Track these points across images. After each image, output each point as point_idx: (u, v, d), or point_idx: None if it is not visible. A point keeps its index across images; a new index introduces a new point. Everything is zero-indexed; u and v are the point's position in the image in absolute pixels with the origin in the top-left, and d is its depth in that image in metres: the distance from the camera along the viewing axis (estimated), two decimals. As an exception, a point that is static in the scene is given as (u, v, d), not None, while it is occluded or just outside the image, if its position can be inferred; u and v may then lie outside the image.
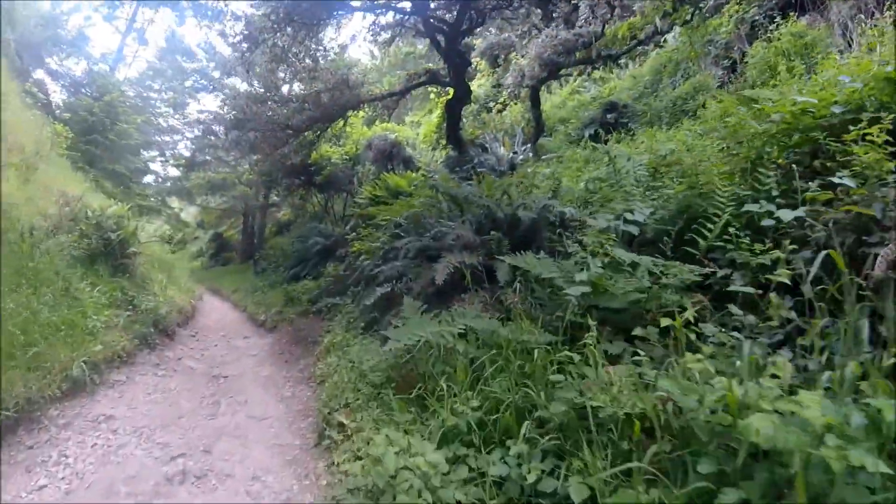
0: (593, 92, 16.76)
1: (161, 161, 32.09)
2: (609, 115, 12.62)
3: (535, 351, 3.60)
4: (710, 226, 4.05)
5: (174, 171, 31.99)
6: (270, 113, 11.97)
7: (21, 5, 19.68)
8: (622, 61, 16.41)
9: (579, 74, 18.77)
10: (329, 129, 13.60)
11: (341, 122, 13.79)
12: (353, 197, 17.91)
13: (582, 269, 4.01)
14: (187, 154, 30.79)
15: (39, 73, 20.51)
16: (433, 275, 5.22)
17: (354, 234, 11.96)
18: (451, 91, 13.79)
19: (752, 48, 10.71)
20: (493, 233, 5.59)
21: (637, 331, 3.30)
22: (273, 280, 16.42)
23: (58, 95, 21.46)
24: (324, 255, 13.59)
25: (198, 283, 23.58)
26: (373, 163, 16.29)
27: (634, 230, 4.59)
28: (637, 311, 3.75)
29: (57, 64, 19.96)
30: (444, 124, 14.33)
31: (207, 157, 29.00)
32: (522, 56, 15.12)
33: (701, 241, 4.05)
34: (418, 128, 21.20)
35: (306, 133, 13.31)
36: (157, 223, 41.42)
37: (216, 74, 27.77)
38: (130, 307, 8.37)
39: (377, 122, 19.04)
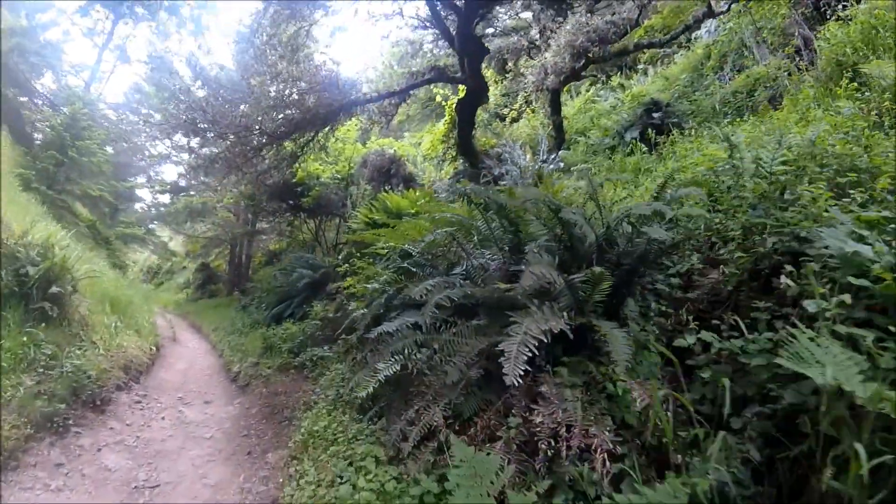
0: (611, 100, 14.88)
1: (148, 188, 30.36)
2: (655, 115, 10.62)
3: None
4: None
5: (164, 198, 30.28)
6: (240, 116, 9.83)
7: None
8: (660, 54, 14.56)
9: (591, 84, 16.93)
10: (315, 139, 11.40)
11: (327, 130, 11.57)
12: (346, 222, 15.81)
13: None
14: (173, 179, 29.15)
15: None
16: (480, 351, 3.13)
17: (347, 265, 9.92)
18: (462, 90, 11.76)
19: (826, 29, 8.81)
20: (589, 269, 3.34)
21: None
22: (255, 318, 14.25)
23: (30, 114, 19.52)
24: (311, 291, 11.48)
25: (180, 318, 21.83)
26: (369, 182, 14.19)
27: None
28: None
29: (24, 76, 18.00)
30: (454, 131, 12.21)
31: (192, 181, 27.21)
32: (544, 50, 13.17)
33: None
34: (418, 146, 19.15)
35: (286, 143, 11.09)
36: (145, 253, 40.01)
37: (201, 93, 25.96)
38: (43, 369, 6.22)
39: (373, 137, 16.99)
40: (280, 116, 10.13)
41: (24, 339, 6.43)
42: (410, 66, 12.82)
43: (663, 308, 4.02)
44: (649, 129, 9.99)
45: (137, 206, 32.22)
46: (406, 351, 3.94)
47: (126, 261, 41.49)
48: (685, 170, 5.56)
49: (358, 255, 10.00)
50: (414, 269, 5.50)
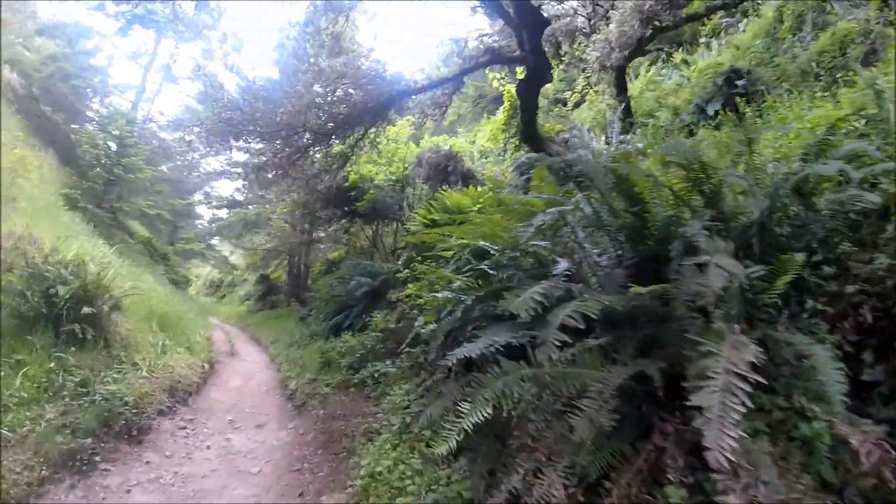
0: (675, 78, 13.60)
1: (206, 205, 30.48)
2: (738, 83, 9.39)
3: None
4: None
5: (222, 213, 30.33)
6: (283, 114, 8.99)
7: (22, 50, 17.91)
8: (723, 24, 13.30)
9: (652, 63, 15.63)
10: (365, 137, 10.48)
11: (377, 127, 10.61)
12: (403, 226, 14.94)
13: None
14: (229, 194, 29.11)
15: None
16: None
17: (407, 271, 9.03)
18: (521, 72, 10.70)
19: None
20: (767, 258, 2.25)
21: None
22: (314, 330, 13.52)
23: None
24: (370, 299, 10.62)
25: (240, 330, 21.45)
26: (425, 181, 13.25)
27: None
28: None
29: (69, 100, 17.93)
30: (516, 118, 11.11)
31: (248, 195, 27.05)
32: (600, 28, 12.03)
33: None
34: (473, 143, 18.04)
35: (335, 142, 10.18)
36: (207, 268, 40.38)
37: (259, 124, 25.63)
38: (70, 398, 5.51)
39: (426, 136, 16.04)
40: (325, 114, 9.28)
41: (52, 365, 5.74)
42: (462, 51, 11.76)
43: (820, 307, 2.90)
44: (737, 98, 8.79)
45: (197, 222, 32.46)
46: (504, 390, 2.82)
47: (189, 276, 42.32)
48: (798, 135, 4.36)
49: (419, 258, 9.09)
50: (492, 272, 4.45)
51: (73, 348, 6.19)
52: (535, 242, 3.86)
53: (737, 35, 13.22)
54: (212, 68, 21.84)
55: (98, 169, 14.61)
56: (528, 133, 10.19)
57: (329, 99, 9.14)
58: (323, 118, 9.23)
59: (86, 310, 6.59)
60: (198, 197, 31.13)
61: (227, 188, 38.28)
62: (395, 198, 14.46)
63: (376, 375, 6.99)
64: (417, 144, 15.71)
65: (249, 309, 28.11)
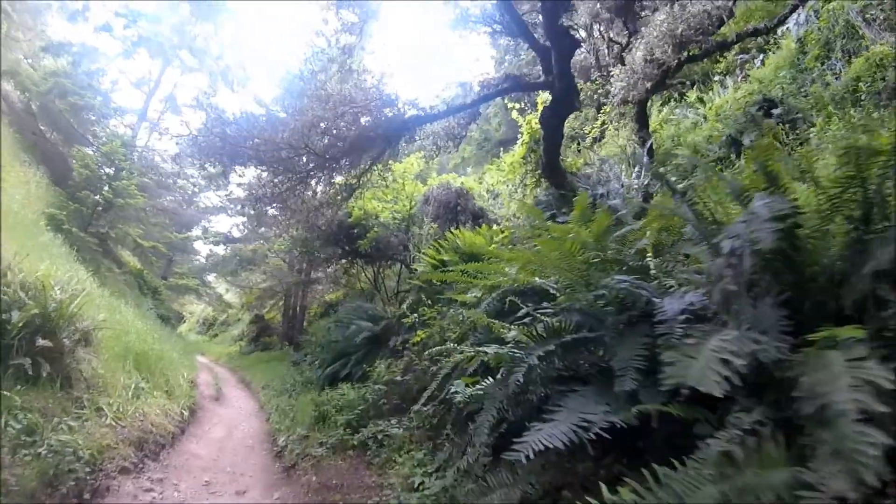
0: (691, 117, 13.09)
1: (203, 240, 29.69)
2: (774, 112, 9.00)
3: None
4: None
5: (219, 250, 29.51)
6: (283, 131, 8.11)
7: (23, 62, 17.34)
8: (738, 61, 12.88)
9: (663, 104, 15.14)
10: (372, 168, 9.56)
11: (387, 158, 9.69)
12: (408, 268, 14.00)
13: None
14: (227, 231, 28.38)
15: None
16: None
17: (415, 316, 8.08)
18: (543, 102, 9.94)
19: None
20: None
21: None
22: (308, 377, 12.45)
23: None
24: (371, 346, 9.63)
25: (231, 371, 20.30)
26: (434, 220, 12.37)
27: None
28: None
29: (66, 118, 17.17)
30: (539, 147, 10.23)
31: (246, 230, 26.29)
32: (618, 61, 11.38)
33: None
34: (481, 183, 17.17)
35: (339, 168, 9.22)
36: (201, 305, 39.31)
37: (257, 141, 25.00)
38: (15, 447, 4.51)
39: (434, 174, 15.21)
40: (329, 137, 8.39)
41: (-10, 410, 4.73)
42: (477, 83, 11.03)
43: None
44: (778, 127, 8.23)
45: (194, 258, 31.60)
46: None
47: (182, 312, 41.28)
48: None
49: (428, 302, 8.15)
50: (558, 320, 3.36)
51: (20, 387, 5.18)
52: (622, 278, 2.91)
53: (755, 70, 12.80)
54: (216, 101, 21.33)
55: (87, 191, 13.68)
56: (551, 166, 9.32)
57: (336, 122, 8.28)
58: (327, 140, 8.35)
59: (41, 342, 5.58)
60: (196, 232, 30.29)
61: (225, 224, 37.56)
62: (399, 237, 13.55)
63: (379, 437, 5.96)
64: (424, 183, 14.90)
65: (241, 350, 26.98)
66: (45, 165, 14.78)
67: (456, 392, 3.88)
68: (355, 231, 13.51)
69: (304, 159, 8.50)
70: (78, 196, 13.71)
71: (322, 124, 8.23)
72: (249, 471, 7.00)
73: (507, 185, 12.22)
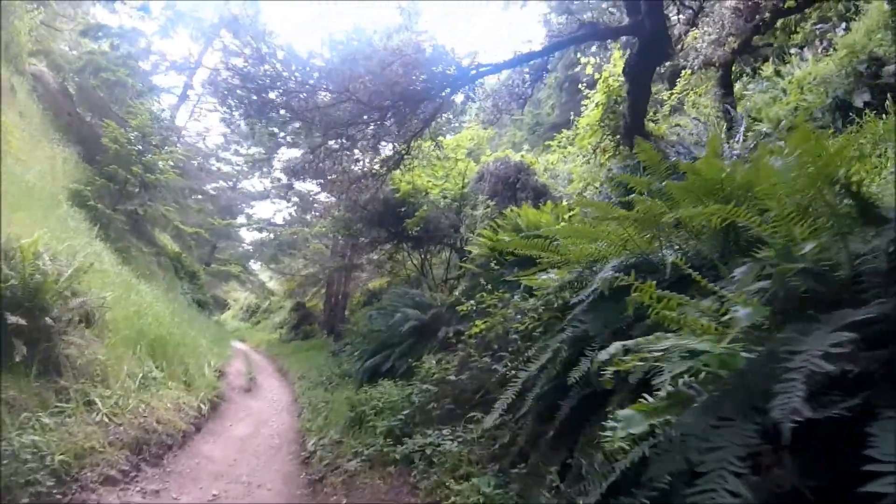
0: (770, 92, 11.57)
1: (247, 227, 29.08)
2: (883, 71, 7.86)
3: None
4: None
5: (262, 237, 28.88)
6: (323, 79, 6.81)
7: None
8: (817, 32, 11.44)
9: (735, 79, 13.60)
10: (423, 135, 8.21)
11: (441, 120, 8.29)
12: (458, 252, 12.72)
13: None
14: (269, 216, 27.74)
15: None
16: None
17: (471, 303, 6.78)
18: (619, 57, 8.49)
19: None
20: None
21: None
22: (346, 369, 11.30)
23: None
24: (418, 337, 8.36)
25: (269, 360, 19.42)
26: (490, 197, 10.98)
27: None
28: None
29: (98, 95, 16.33)
30: (622, 106, 8.75)
31: (289, 215, 25.48)
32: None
33: None
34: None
35: (384, 129, 7.82)
36: (245, 292, 38.93)
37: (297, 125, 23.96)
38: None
39: (487, 152, 13.77)
40: (375, 85, 7.01)
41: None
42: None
43: None
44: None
45: (239, 245, 31.05)
46: None
47: (227, 299, 41.06)
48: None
49: (488, 286, 6.84)
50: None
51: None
52: None
53: (841, 38, 11.29)
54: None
55: (115, 166, 12.75)
56: (635, 127, 7.81)
57: (384, 70, 6.93)
58: (373, 87, 6.97)
59: (13, 319, 4.48)
60: (241, 219, 29.71)
61: (268, 210, 36.84)
62: (450, 218, 12.22)
63: (428, 452, 4.68)
64: (477, 162, 13.54)
65: (281, 337, 26.28)
66: (81, 146, 13.99)
67: (617, 426, 2.24)
68: (402, 210, 12.27)
69: (345, 109, 7.17)
70: (106, 171, 12.79)
71: (367, 75, 6.92)
72: (269, 481, 5.80)
73: (579, 157, 10.77)
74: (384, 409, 6.17)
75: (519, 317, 5.63)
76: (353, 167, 8.91)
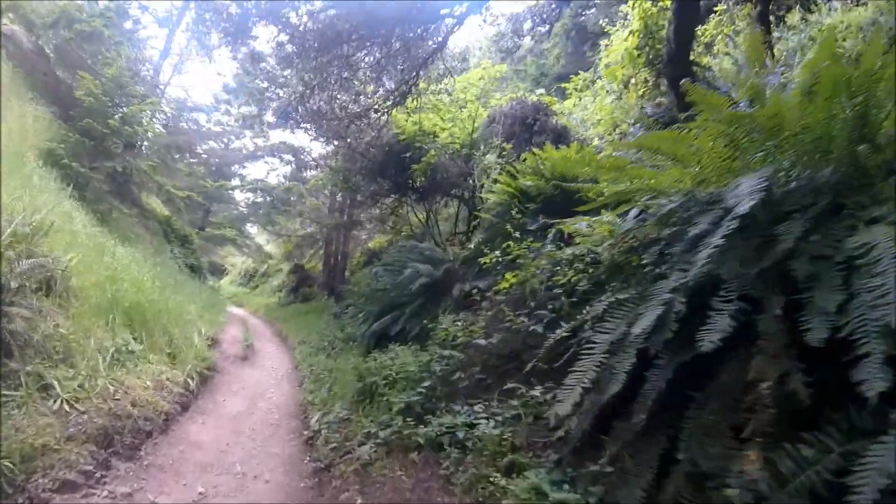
0: (795, 40, 10.55)
1: (240, 189, 28.01)
2: None
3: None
4: None
5: (256, 198, 27.82)
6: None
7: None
8: None
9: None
10: (431, 64, 7.10)
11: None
12: (467, 204, 11.71)
13: None
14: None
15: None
16: None
17: (496, 254, 5.84)
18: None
19: None
20: None
21: None
22: (350, 333, 10.42)
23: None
24: (430, 296, 7.42)
25: (267, 324, 18.64)
26: (505, 140, 9.90)
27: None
28: None
29: (75, 52, 15.03)
30: (668, 28, 7.65)
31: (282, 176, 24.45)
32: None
33: None
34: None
35: (385, 49, 6.68)
36: (242, 257, 38.06)
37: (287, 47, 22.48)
38: None
39: (497, 96, 12.58)
40: None
41: None
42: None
43: None
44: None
45: (234, 208, 30.01)
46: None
47: (225, 264, 40.29)
48: None
49: (516, 235, 5.88)
50: None
51: None
52: None
53: None
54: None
55: (89, 120, 11.58)
56: (679, 57, 6.68)
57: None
58: None
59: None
60: (234, 181, 28.62)
61: (261, 170, 35.57)
62: (459, 166, 11.13)
63: (461, 436, 3.77)
64: (485, 107, 12.38)
65: (280, 301, 25.48)
66: (57, 106, 12.86)
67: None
68: (407, 156, 11.17)
69: (344, 23, 6.00)
70: (80, 126, 11.64)
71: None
72: (267, 470, 4.91)
73: (607, 95, 9.64)
74: (398, 379, 5.25)
75: (558, 268, 4.72)
76: (351, 105, 7.83)
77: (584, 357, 2.73)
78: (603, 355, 2.66)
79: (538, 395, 3.70)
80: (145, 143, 14.40)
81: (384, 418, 4.69)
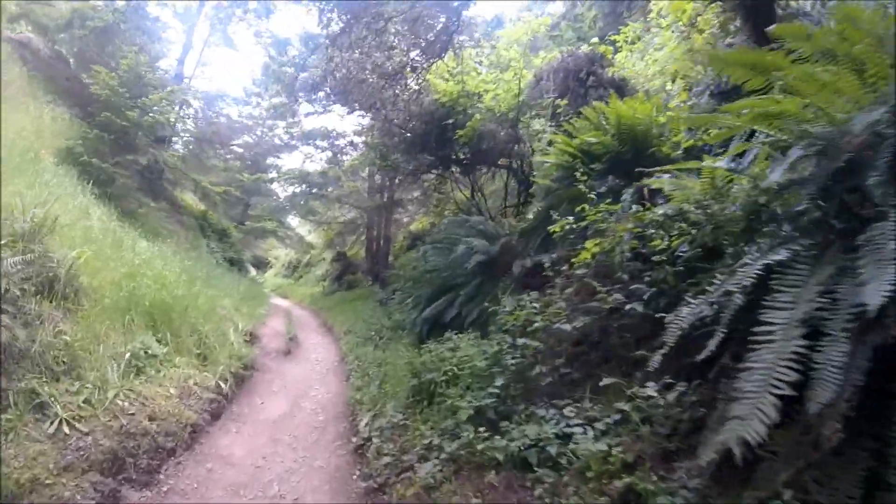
0: None
1: (277, 180, 27.51)
2: None
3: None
4: None
5: (293, 189, 27.28)
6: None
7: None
8: None
9: None
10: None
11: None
12: (516, 174, 10.72)
13: None
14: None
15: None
16: None
17: (568, 221, 4.89)
18: None
19: None
20: None
21: None
22: (398, 320, 9.61)
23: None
24: (489, 275, 6.50)
25: (312, 315, 18.08)
26: (558, 95, 8.86)
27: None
28: None
29: (91, 49, 14.61)
30: None
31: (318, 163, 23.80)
32: None
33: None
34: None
35: None
36: (285, 249, 37.92)
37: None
38: None
39: (542, 53, 11.46)
40: None
41: None
42: None
43: None
44: None
45: (273, 200, 29.60)
46: None
47: (269, 258, 40.32)
48: None
49: (591, 196, 4.92)
50: None
51: None
52: None
53: None
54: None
55: (107, 113, 11.02)
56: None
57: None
58: None
59: None
60: (272, 174, 28.13)
61: (297, 161, 35.08)
62: (506, 131, 10.10)
63: (553, 452, 2.87)
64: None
65: (324, 290, 24.92)
66: (79, 107, 12.53)
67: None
68: (450, 123, 10.20)
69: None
70: (99, 121, 11.09)
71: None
72: (309, 491, 4.10)
73: (672, 37, 8.49)
74: (462, 375, 4.36)
75: (652, 232, 3.76)
76: (386, 62, 6.93)
77: (761, 346, 1.79)
78: (796, 342, 1.71)
79: (654, 394, 2.77)
80: (174, 136, 13.78)
81: (448, 425, 3.82)
